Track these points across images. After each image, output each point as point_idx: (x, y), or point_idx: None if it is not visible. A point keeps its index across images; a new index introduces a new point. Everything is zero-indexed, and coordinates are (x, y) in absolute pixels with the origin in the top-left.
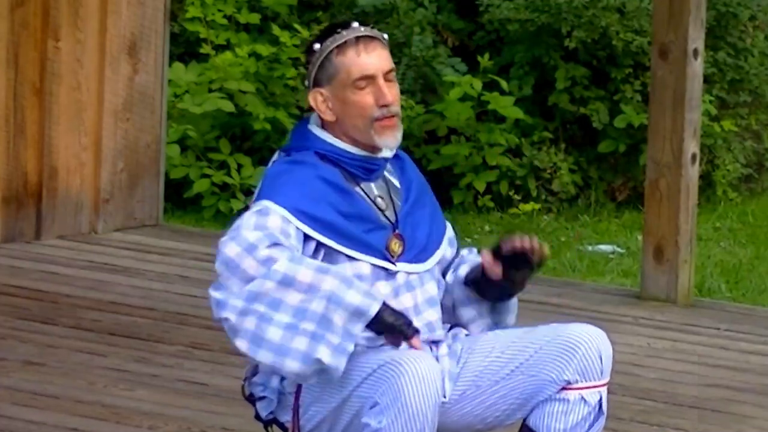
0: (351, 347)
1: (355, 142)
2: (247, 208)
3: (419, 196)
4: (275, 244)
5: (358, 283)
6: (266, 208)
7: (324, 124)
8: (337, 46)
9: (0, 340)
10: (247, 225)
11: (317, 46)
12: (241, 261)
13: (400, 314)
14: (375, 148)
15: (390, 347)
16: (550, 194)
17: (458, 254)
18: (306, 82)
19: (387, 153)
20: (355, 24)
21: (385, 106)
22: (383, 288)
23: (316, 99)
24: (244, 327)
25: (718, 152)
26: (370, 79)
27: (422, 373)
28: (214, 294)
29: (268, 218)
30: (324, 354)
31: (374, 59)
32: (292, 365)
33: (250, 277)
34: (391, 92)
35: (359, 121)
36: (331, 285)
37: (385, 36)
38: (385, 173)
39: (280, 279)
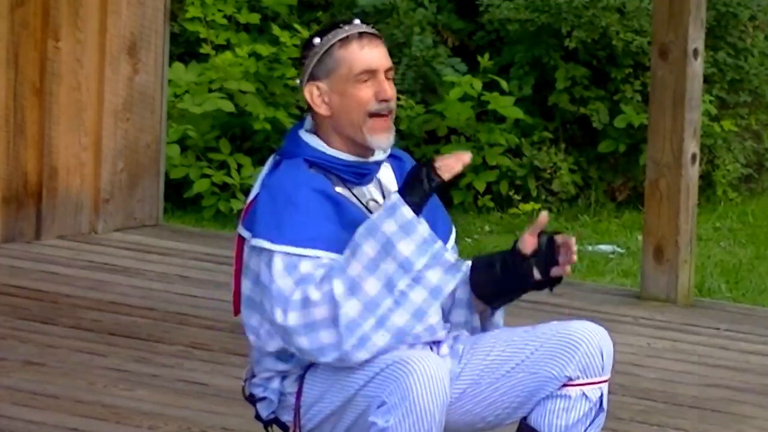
0: (437, 246)
1: (346, 146)
2: (248, 207)
3: None
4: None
5: (377, 218)
6: (271, 259)
7: (316, 129)
8: (340, 40)
9: (0, 340)
10: (283, 288)
11: (317, 40)
12: (312, 318)
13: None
14: (366, 150)
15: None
16: (550, 194)
17: None
18: (300, 78)
19: (379, 156)
20: (357, 21)
21: (385, 101)
22: None
23: (312, 92)
24: (379, 343)
25: (718, 152)
26: (371, 73)
27: (431, 373)
28: (329, 357)
29: (297, 269)
30: (432, 276)
31: (376, 55)
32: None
33: (332, 318)
34: (391, 89)
35: (355, 116)
36: (374, 247)
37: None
38: (378, 175)
39: (349, 293)
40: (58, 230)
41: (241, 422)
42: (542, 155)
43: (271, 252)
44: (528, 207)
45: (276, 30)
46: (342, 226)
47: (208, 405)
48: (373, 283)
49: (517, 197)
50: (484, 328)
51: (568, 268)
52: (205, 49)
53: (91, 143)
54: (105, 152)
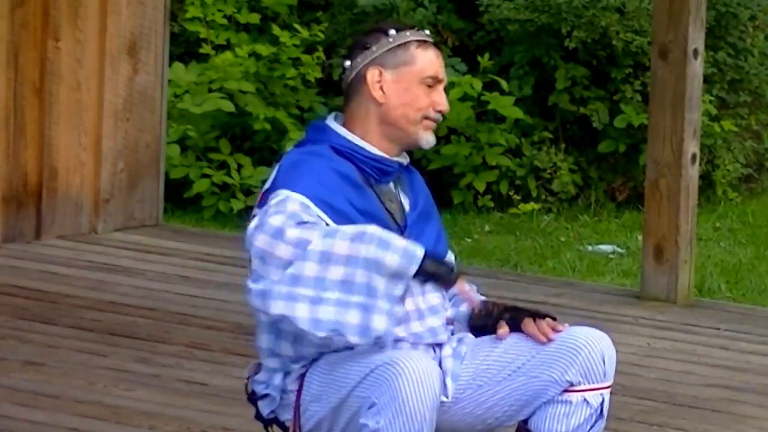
0: (401, 310)
1: (377, 139)
2: (248, 208)
3: (426, 210)
4: (301, 222)
5: (395, 241)
6: (285, 197)
7: (346, 122)
8: (419, 41)
9: (0, 340)
10: (269, 213)
11: (393, 32)
12: (273, 248)
13: (441, 263)
14: (397, 147)
15: (389, 348)
16: (550, 194)
17: None
18: (353, 57)
19: (402, 159)
20: (426, 31)
21: (440, 112)
22: None
23: (374, 76)
24: (297, 314)
25: (718, 152)
26: (438, 82)
27: (420, 373)
28: (255, 286)
29: (287, 204)
30: (379, 323)
31: (443, 68)
32: (353, 339)
33: (287, 262)
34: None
35: (411, 112)
36: (368, 252)
37: None
38: (397, 180)
39: (319, 257)
40: (58, 230)
41: (241, 422)
42: (542, 155)
43: (276, 194)
44: (528, 207)
45: (276, 30)
46: (360, 211)
47: (208, 405)
48: (339, 271)
49: (517, 197)
50: None
51: (504, 330)
52: (205, 49)
53: (91, 143)
54: (105, 152)
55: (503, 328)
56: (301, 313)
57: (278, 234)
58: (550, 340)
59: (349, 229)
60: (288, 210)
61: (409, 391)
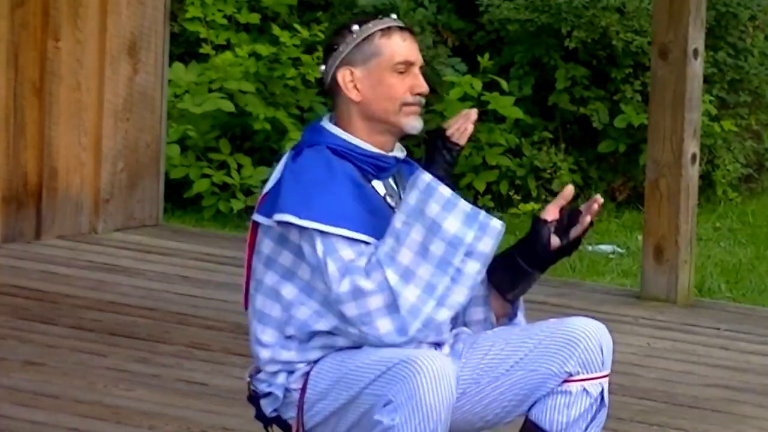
0: (482, 216)
1: (369, 135)
2: (248, 208)
3: None
4: (359, 268)
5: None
6: (320, 239)
7: (338, 120)
8: (382, 30)
9: (0, 340)
10: (331, 277)
11: (356, 27)
12: (367, 308)
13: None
14: (389, 139)
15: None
16: (550, 194)
17: None
18: (327, 62)
19: (398, 153)
20: (394, 15)
21: (419, 94)
22: None
23: (345, 77)
24: (445, 316)
25: (718, 152)
26: (410, 66)
27: (437, 372)
28: (394, 341)
29: (330, 255)
30: (483, 245)
31: (415, 50)
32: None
33: (385, 307)
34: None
35: (389, 104)
36: (419, 231)
37: None
38: (396, 175)
39: (404, 280)
40: (58, 230)
41: (241, 422)
42: (542, 155)
43: (302, 229)
44: (528, 207)
45: (276, 30)
46: (368, 212)
47: (208, 405)
48: (426, 267)
49: (517, 197)
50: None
51: (588, 218)
52: (205, 49)
53: (91, 143)
54: (105, 152)
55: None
56: (448, 313)
57: (358, 295)
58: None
59: (389, 238)
60: (340, 258)
61: (426, 390)
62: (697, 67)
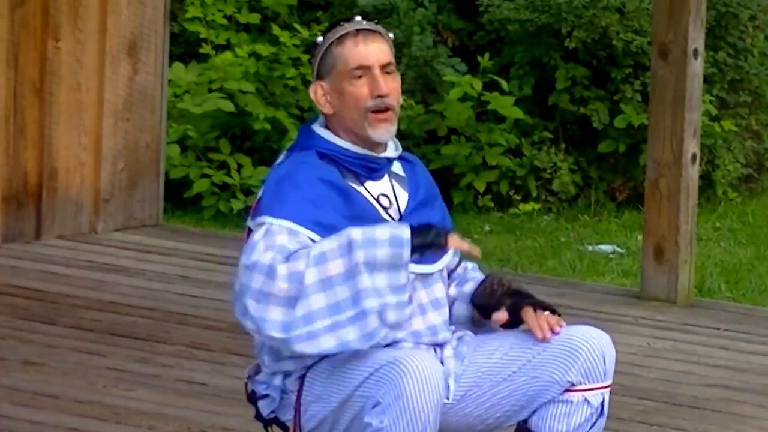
0: (406, 297)
1: (355, 139)
2: (248, 208)
3: (427, 200)
4: (288, 256)
5: (378, 235)
6: (269, 226)
7: (327, 123)
8: (338, 38)
9: (0, 340)
10: (258, 250)
11: (320, 39)
12: (270, 288)
13: (424, 230)
14: (373, 144)
15: (391, 347)
16: (550, 194)
17: (459, 264)
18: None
19: (391, 153)
20: (358, 18)
21: (380, 96)
22: None
23: (316, 92)
24: (324, 346)
25: (718, 152)
26: (366, 69)
27: (424, 373)
28: (272, 332)
29: (274, 236)
30: (392, 316)
31: (372, 50)
32: (382, 338)
33: (286, 298)
34: (389, 85)
35: (355, 113)
36: (360, 256)
37: (390, 35)
38: (391, 174)
39: (321, 287)
40: (58, 230)
41: (241, 422)
42: (542, 155)
43: (265, 224)
44: (528, 207)
45: (276, 30)
46: (349, 218)
47: (208, 405)
48: (344, 290)
49: (517, 197)
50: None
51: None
52: (205, 49)
53: (91, 143)
54: (105, 152)
55: (500, 314)
56: (328, 344)
57: (271, 273)
58: (545, 339)
59: (334, 244)
60: (276, 243)
61: (413, 390)
62: (697, 67)
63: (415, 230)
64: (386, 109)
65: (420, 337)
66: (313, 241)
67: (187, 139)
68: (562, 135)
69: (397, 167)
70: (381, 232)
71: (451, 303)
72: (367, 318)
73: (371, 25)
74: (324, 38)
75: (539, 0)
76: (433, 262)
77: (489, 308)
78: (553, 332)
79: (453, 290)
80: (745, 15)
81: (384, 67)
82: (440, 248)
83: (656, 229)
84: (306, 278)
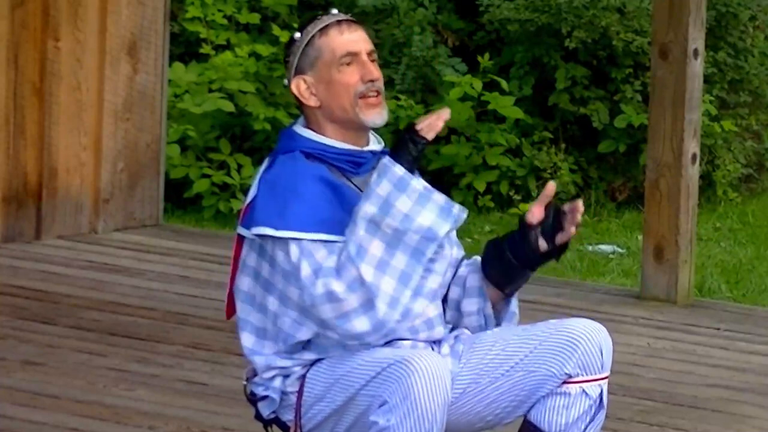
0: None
1: (340, 135)
2: (247, 208)
3: None
4: (335, 270)
5: (380, 189)
6: (290, 247)
7: (309, 123)
8: (320, 30)
9: (0, 340)
10: (306, 285)
11: (298, 35)
12: (342, 310)
13: (398, 142)
14: (360, 134)
15: (390, 345)
16: None
17: (462, 262)
18: (287, 77)
19: (374, 146)
20: (335, 10)
21: (371, 81)
22: None
23: (299, 86)
24: (419, 308)
25: (718, 152)
26: (354, 56)
27: (432, 372)
28: (369, 339)
29: (307, 261)
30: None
31: (357, 37)
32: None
33: (361, 306)
34: (376, 70)
35: (345, 100)
36: (388, 224)
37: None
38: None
39: (380, 273)
40: (58, 230)
41: (241, 422)
42: (542, 155)
43: (277, 239)
44: (528, 207)
45: (276, 30)
46: (344, 212)
47: (208, 405)
48: (399, 258)
49: (517, 197)
50: (499, 318)
51: (573, 230)
52: (205, 49)
53: (91, 143)
54: (105, 152)
55: (533, 213)
56: (419, 308)
57: (332, 298)
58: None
59: (361, 230)
60: (315, 261)
61: (421, 390)
62: (697, 67)
63: (393, 151)
64: (377, 94)
65: (416, 331)
66: (325, 242)
67: (187, 139)
68: (562, 135)
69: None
70: (380, 188)
71: (459, 300)
72: (436, 262)
73: (348, 17)
74: (303, 32)
75: (539, 0)
76: None
77: (498, 261)
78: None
79: (463, 269)
80: (745, 15)
81: (369, 54)
82: (424, 143)
83: (656, 229)
84: (365, 277)
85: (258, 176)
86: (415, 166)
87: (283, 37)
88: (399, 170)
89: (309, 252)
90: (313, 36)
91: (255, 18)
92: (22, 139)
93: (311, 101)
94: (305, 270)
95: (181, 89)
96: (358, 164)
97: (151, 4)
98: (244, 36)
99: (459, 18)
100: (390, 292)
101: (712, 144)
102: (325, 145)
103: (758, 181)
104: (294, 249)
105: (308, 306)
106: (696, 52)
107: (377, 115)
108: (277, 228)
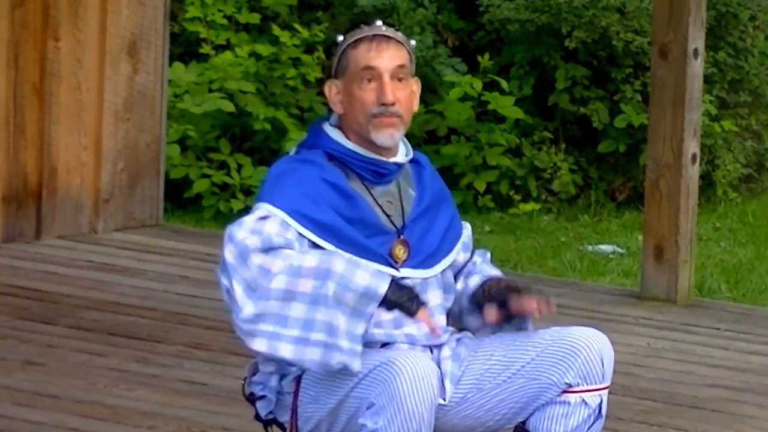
0: (359, 348)
1: (362, 142)
2: (248, 208)
3: (434, 203)
4: (270, 249)
5: (358, 278)
6: (266, 214)
7: (340, 124)
8: (354, 41)
9: (0, 340)
10: (244, 229)
11: (340, 38)
12: (237, 265)
13: (404, 290)
14: (381, 148)
15: (386, 348)
16: (550, 194)
17: (471, 258)
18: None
19: (401, 158)
20: (379, 23)
21: (384, 105)
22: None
23: (330, 90)
24: (255, 347)
25: (718, 152)
26: (373, 73)
27: (418, 374)
28: (241, 321)
29: (266, 223)
30: (338, 359)
31: (384, 57)
32: (312, 367)
33: (247, 282)
34: (397, 93)
35: (360, 117)
36: (331, 289)
37: (413, 42)
38: (400, 179)
39: (282, 295)
40: (58, 230)
41: (241, 422)
42: (542, 155)
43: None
44: (528, 207)
45: (276, 30)
46: (348, 221)
47: (208, 405)
48: (301, 309)
49: (517, 197)
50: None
51: (552, 307)
52: (205, 49)
53: (91, 143)
54: (105, 152)
55: (489, 310)
56: (260, 347)
57: (245, 255)
58: (535, 311)
59: (314, 262)
60: (264, 230)
61: (406, 391)
62: (697, 67)
63: (393, 287)
64: (390, 116)
65: (415, 340)
66: (302, 236)
67: (187, 139)
68: (562, 135)
69: (407, 170)
70: (361, 276)
71: (459, 311)
72: (309, 347)
73: (390, 32)
74: (344, 39)
75: (539, 0)
76: (431, 266)
77: (481, 308)
78: (546, 307)
79: (460, 284)
80: (745, 15)
81: (396, 75)
82: (409, 315)
83: (656, 229)
84: (273, 281)
85: (277, 161)
86: (393, 306)
87: (283, 36)
88: (383, 289)
89: (268, 222)
90: (348, 45)
91: (255, 18)
92: (22, 139)
93: (337, 107)
94: (255, 224)
95: (181, 89)
96: (381, 174)
97: (151, 4)
98: (244, 36)
99: (459, 18)
100: (264, 311)
101: (712, 144)
102: (350, 150)
103: (758, 181)
104: (259, 211)
105: (226, 235)
106: (696, 52)
107: (388, 136)
108: (270, 203)
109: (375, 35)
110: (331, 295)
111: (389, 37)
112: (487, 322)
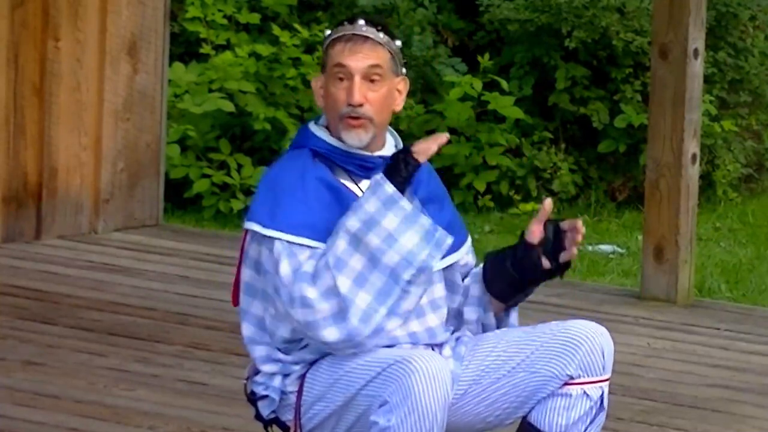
0: (427, 222)
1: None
2: (248, 208)
3: (431, 199)
4: (312, 276)
5: (368, 206)
6: (274, 247)
7: (326, 122)
8: (334, 38)
9: (0, 340)
10: (284, 281)
11: (327, 32)
12: (314, 317)
13: (392, 163)
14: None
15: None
16: (551, 194)
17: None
18: None
19: (387, 152)
20: (361, 21)
21: (351, 105)
22: None
23: (316, 84)
24: (387, 327)
25: (718, 152)
26: (344, 71)
27: (433, 372)
28: (343, 349)
29: (282, 260)
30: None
31: (357, 56)
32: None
33: (335, 315)
34: (368, 94)
35: (331, 114)
36: (372, 240)
37: (398, 43)
38: None
39: (356, 287)
40: (58, 230)
41: (241, 422)
42: (542, 155)
43: (264, 237)
44: (528, 207)
45: (276, 30)
46: (341, 216)
47: (208, 405)
48: (378, 275)
49: (517, 197)
50: (499, 327)
51: (575, 250)
52: (205, 49)
53: (91, 143)
54: (105, 152)
55: (533, 231)
56: (392, 325)
57: (305, 303)
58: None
59: (343, 243)
60: (296, 263)
61: (421, 390)
62: (697, 67)
63: (386, 169)
64: (357, 117)
65: (417, 339)
66: (309, 247)
67: (187, 139)
68: (562, 135)
69: None
70: (368, 203)
71: (460, 307)
72: (413, 285)
73: (370, 32)
74: (328, 34)
75: (539, 0)
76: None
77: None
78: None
79: (468, 279)
80: (745, 15)
81: (367, 75)
82: (415, 165)
83: (656, 229)
84: (340, 288)
85: (268, 169)
86: (406, 186)
87: (283, 36)
88: (389, 188)
89: (292, 253)
90: (329, 42)
91: (255, 18)
92: (22, 139)
93: (320, 101)
94: (284, 269)
95: (181, 89)
96: (368, 168)
97: (151, 4)
98: (244, 36)
99: (459, 18)
100: (363, 307)
101: (712, 144)
102: (333, 146)
103: (758, 181)
104: (278, 247)
105: (285, 304)
106: (696, 52)
107: (355, 137)
108: (265, 226)
109: (353, 35)
110: (377, 244)
111: (366, 36)
112: (529, 239)
